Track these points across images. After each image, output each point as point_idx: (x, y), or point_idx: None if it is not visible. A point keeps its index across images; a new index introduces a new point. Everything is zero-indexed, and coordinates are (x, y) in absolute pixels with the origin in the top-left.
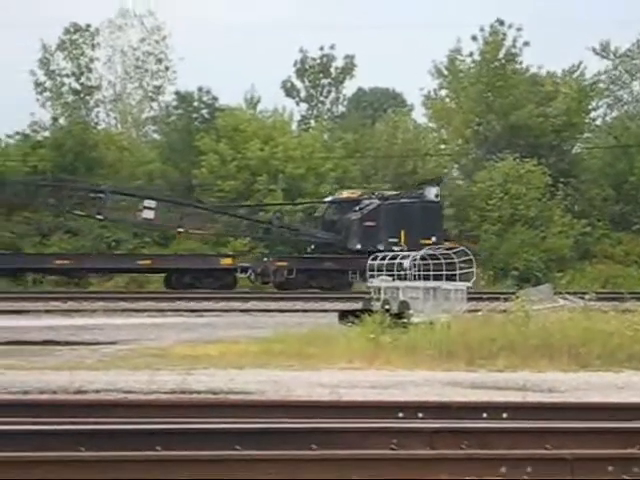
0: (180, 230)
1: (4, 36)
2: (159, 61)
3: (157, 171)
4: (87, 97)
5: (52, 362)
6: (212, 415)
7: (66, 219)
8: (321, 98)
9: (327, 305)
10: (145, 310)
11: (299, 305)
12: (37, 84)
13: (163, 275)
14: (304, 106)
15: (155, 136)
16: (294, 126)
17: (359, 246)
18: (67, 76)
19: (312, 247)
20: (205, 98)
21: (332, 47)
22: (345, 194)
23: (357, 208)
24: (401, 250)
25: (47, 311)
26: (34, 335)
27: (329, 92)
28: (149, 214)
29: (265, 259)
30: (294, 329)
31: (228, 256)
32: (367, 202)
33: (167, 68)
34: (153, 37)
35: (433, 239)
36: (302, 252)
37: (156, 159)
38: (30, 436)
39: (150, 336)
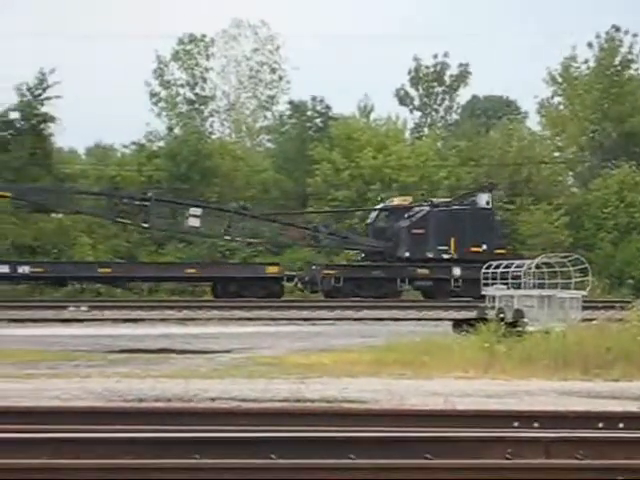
0: (227, 238)
1: (119, 47)
2: (273, 71)
3: (271, 180)
4: (201, 107)
5: (167, 370)
6: (326, 424)
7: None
8: (435, 106)
9: (441, 314)
10: (259, 319)
11: (412, 314)
12: (152, 94)
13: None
14: (418, 114)
15: (269, 145)
16: (407, 134)
17: (407, 254)
18: (182, 86)
19: (362, 255)
20: (318, 107)
21: (446, 55)
22: (396, 201)
23: (406, 215)
24: (450, 258)
25: (162, 320)
26: (149, 343)
27: (443, 100)
28: (195, 222)
29: (313, 267)
30: (407, 338)
31: (274, 264)
32: (417, 209)
33: (281, 78)
34: (267, 47)
35: (484, 247)
36: (351, 260)
37: (270, 168)
38: (146, 444)
39: (264, 345)
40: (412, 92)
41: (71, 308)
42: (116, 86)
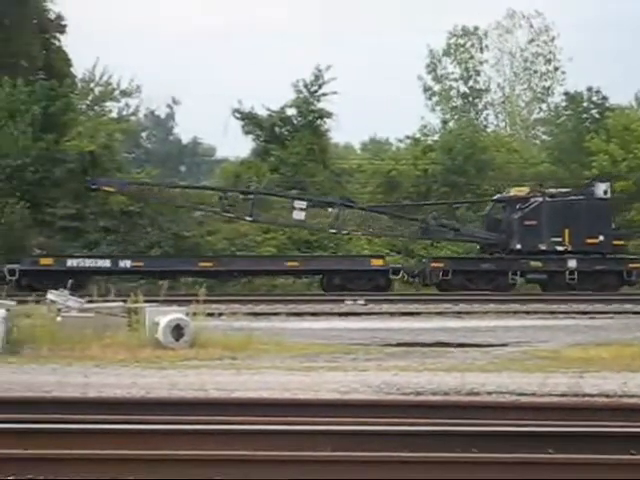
0: (333, 231)
1: (391, 44)
2: (548, 62)
3: (546, 172)
4: (476, 100)
5: (444, 364)
6: (606, 419)
7: (458, 221)
8: None
9: None
10: (535, 312)
11: None
12: (425, 89)
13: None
14: None
15: (544, 137)
16: None
17: (519, 246)
18: (455, 80)
19: (478, 247)
20: (595, 98)
21: None
22: (513, 192)
23: (518, 206)
24: (565, 250)
25: (438, 313)
26: (426, 337)
27: None
28: (300, 215)
29: (424, 260)
30: None
31: (379, 257)
32: (530, 200)
33: (556, 69)
34: (541, 38)
35: (600, 238)
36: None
37: (545, 160)
38: (423, 438)
39: (541, 338)
40: None
41: (348, 301)
42: (390, 81)
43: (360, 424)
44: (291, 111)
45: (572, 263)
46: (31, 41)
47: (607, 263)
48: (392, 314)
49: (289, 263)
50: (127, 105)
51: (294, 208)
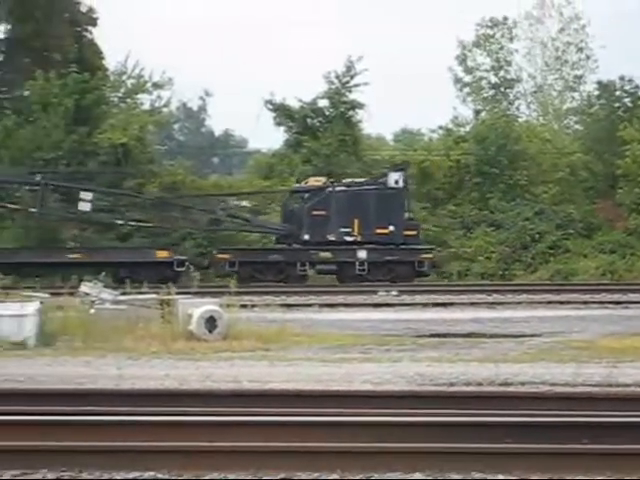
0: (119, 222)
1: (422, 35)
2: (579, 50)
3: (579, 162)
4: (507, 90)
5: (477, 354)
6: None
7: (491, 212)
8: None
9: None
10: (569, 302)
11: None
12: (456, 80)
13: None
14: None
15: (577, 127)
16: None
17: (307, 236)
18: (486, 71)
19: (274, 239)
20: (627, 87)
21: None
22: (311, 182)
23: (307, 196)
24: (354, 240)
25: (472, 304)
26: (459, 327)
27: None
28: (85, 206)
29: (214, 251)
30: None
31: (163, 249)
32: (320, 190)
33: (588, 57)
34: (572, 26)
35: (391, 228)
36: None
37: (578, 150)
38: (454, 428)
39: (574, 328)
40: None
41: (381, 292)
42: (422, 72)
43: (394, 415)
44: (323, 102)
45: (362, 254)
46: (63, 34)
47: (398, 254)
48: (425, 305)
49: (71, 255)
50: (159, 97)
51: (80, 199)
